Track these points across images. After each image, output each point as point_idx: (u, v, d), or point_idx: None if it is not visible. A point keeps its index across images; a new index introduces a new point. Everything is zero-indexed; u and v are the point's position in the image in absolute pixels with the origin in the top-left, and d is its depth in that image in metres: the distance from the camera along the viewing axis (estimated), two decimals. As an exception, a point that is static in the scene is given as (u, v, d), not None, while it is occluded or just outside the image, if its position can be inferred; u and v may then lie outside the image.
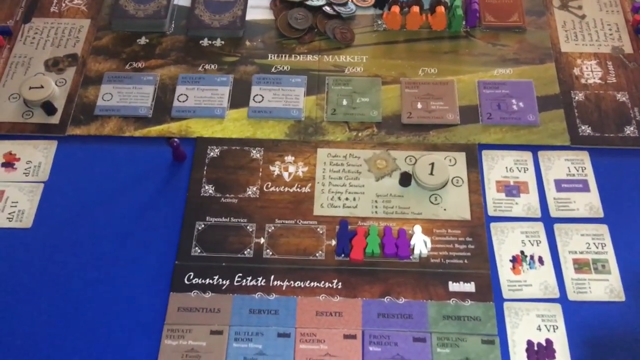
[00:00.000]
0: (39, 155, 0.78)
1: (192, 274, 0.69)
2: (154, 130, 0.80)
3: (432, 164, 0.75)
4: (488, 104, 0.81)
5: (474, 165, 0.77)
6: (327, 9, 0.90)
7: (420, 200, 0.74)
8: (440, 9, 0.87)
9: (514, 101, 0.81)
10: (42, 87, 0.81)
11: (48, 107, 0.80)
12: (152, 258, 0.71)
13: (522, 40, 0.88)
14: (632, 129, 0.78)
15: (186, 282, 0.69)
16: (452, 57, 0.86)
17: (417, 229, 0.71)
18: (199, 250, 0.71)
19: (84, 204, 0.75)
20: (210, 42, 0.88)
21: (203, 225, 0.73)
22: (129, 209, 0.75)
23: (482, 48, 0.87)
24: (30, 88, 0.81)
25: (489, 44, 0.87)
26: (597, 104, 0.81)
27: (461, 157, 0.77)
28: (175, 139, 0.75)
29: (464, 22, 0.88)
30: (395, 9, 0.87)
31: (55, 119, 0.81)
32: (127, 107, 0.81)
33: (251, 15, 0.90)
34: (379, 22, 0.90)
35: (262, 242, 0.72)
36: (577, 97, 0.81)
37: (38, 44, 0.88)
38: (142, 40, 0.88)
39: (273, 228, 0.73)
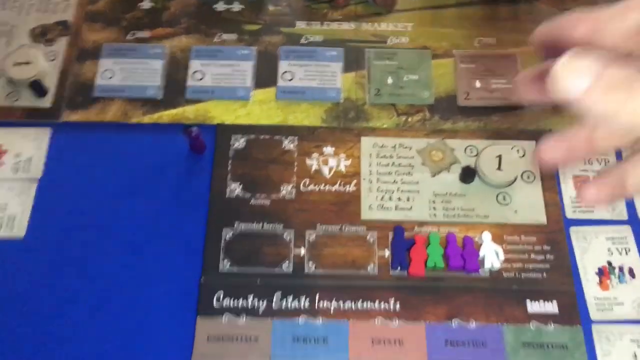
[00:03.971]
0: (29, 147, 0.65)
1: (221, 293, 0.58)
2: (166, 116, 0.67)
3: (500, 156, 0.64)
4: (558, 82, 0.69)
5: (546, 156, 0.65)
6: (363, -35, 0.76)
7: (485, 199, 0.63)
8: (500, -34, 0.74)
9: (588, 79, 0.69)
10: (28, 62, 0.68)
11: (37, 87, 0.67)
12: (173, 274, 0.59)
13: (593, 3, 0.75)
14: None
15: (215, 303, 0.58)
16: (513, 25, 0.73)
17: (486, 236, 0.61)
18: (228, 265, 0.60)
19: (85, 207, 0.63)
20: (226, 5, 0.74)
21: (231, 234, 0.61)
22: (140, 212, 0.63)
23: (548, 13, 0.74)
24: (15, 64, 0.67)
25: (554, 8, 0.75)
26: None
27: (531, 147, 0.66)
28: (194, 128, 0.63)
29: (524, -17, 0.75)
30: (447, -34, 0.74)
31: (46, 102, 0.67)
32: (132, 87, 0.68)
33: (274, -27, 0.77)
34: (425, -18, 0.77)
35: (302, 253, 0.60)
36: (661, 74, 0.70)
37: (21, 9, 0.73)
38: (146, 4, 0.74)
39: (314, 236, 0.61)
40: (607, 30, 0.33)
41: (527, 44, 0.71)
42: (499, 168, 0.63)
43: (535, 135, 0.66)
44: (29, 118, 0.67)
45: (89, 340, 0.56)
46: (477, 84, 0.69)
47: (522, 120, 0.67)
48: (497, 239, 0.61)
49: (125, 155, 0.66)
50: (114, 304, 0.58)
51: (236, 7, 0.74)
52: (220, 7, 0.74)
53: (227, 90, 0.68)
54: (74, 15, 0.73)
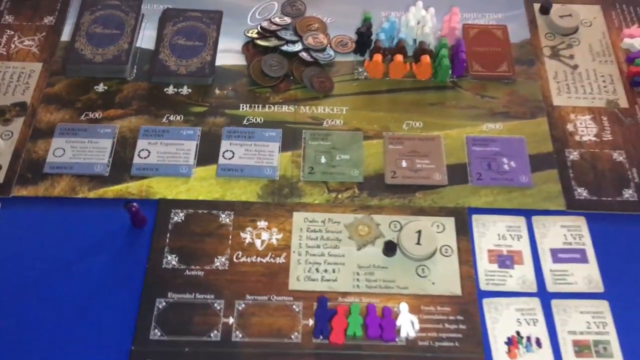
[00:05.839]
0: (-21, 220, 0.70)
1: (151, 361, 0.61)
2: (111, 191, 0.72)
3: (419, 231, 0.68)
4: (478, 162, 0.75)
5: (464, 232, 0.70)
6: (304, 55, 0.83)
7: (405, 272, 0.68)
8: (426, 58, 0.81)
9: (505, 160, 0.75)
10: (-15, 141, 0.73)
11: (-9, 164, 0.72)
12: (105, 343, 0.62)
13: (512, 92, 0.82)
14: (630, 192, 0.73)
15: (144, 371, 0.61)
16: (439, 110, 0.80)
17: (404, 307, 0.65)
18: (159, 334, 0.63)
19: (28, 277, 0.66)
20: (176, 89, 0.81)
21: (164, 303, 0.65)
22: (80, 283, 0.66)
23: (470, 100, 0.81)
24: (-28, 142, 0.73)
25: (477, 96, 0.82)
26: (592, 163, 0.75)
27: (450, 222, 0.71)
28: (134, 204, 0.67)
29: (450, 72, 0.82)
30: (378, 57, 0.81)
31: (-1, 178, 0.72)
32: (81, 164, 0.73)
33: (221, 60, 0.83)
34: (360, 70, 0.84)
35: (231, 322, 0.64)
36: (571, 156, 0.76)
37: (-17, 90, 0.79)
38: (100, 87, 0.80)
39: (244, 305, 0.65)
40: None
41: (450, 127, 0.78)
42: (418, 242, 0.68)
43: (454, 212, 0.71)
44: (-18, 192, 0.71)
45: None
46: (404, 163, 0.75)
47: (442, 198, 0.73)
48: (414, 310, 0.65)
49: (71, 229, 0.70)
50: (48, 371, 0.61)
51: (185, 90, 0.81)
52: (170, 90, 0.81)
53: (171, 168, 0.74)
54: (32, 96, 0.79)
